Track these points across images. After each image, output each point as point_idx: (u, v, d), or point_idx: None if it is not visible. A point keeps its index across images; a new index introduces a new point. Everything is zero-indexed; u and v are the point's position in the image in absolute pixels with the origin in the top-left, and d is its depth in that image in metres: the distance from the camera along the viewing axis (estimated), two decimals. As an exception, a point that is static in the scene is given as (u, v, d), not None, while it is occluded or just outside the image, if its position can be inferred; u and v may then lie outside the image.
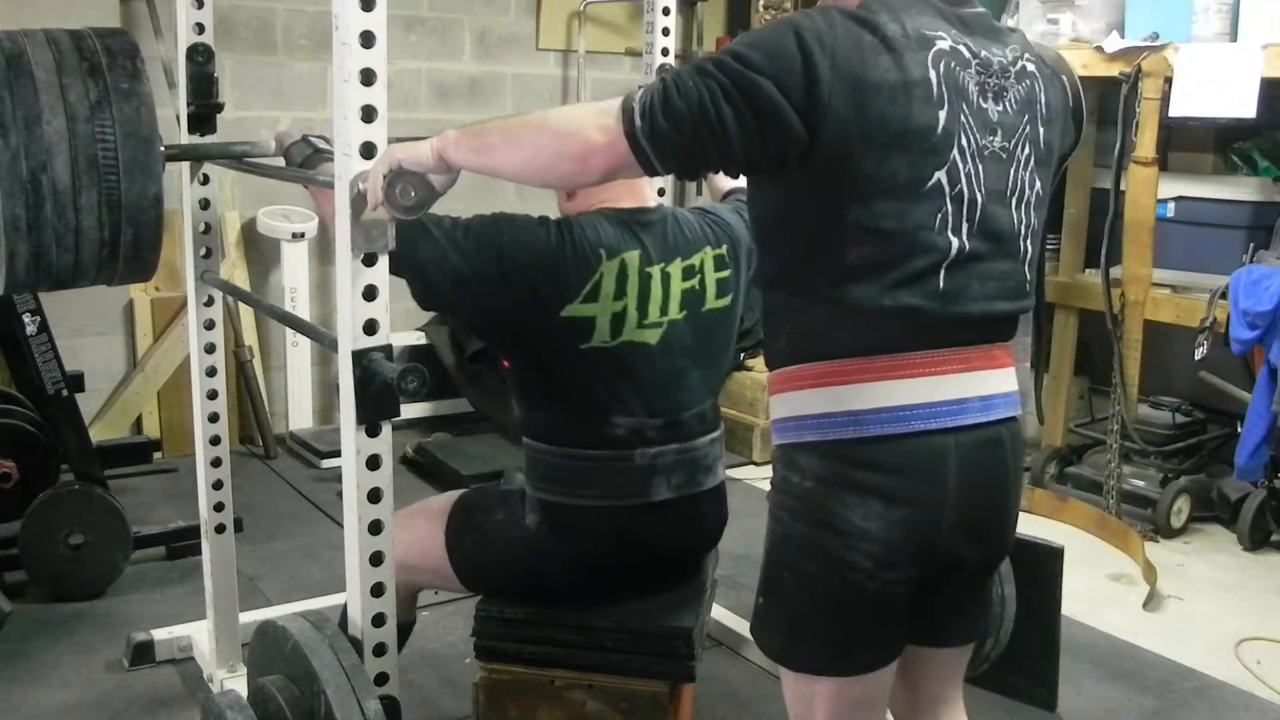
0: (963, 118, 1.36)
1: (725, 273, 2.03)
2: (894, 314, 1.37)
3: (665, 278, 1.94)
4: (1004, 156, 1.41)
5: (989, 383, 1.45)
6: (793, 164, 1.34)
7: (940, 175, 1.35)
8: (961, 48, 1.38)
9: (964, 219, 1.37)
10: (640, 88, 1.35)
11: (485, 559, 2.02)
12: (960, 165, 1.36)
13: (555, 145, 1.39)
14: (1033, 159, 1.45)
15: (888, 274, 1.36)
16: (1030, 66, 1.46)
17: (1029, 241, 1.46)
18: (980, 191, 1.38)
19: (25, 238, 1.76)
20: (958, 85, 1.36)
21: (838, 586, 1.42)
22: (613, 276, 1.89)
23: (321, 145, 1.97)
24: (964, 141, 1.36)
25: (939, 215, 1.36)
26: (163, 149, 1.89)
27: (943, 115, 1.34)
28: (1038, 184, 1.47)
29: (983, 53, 1.40)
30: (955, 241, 1.37)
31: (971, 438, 1.42)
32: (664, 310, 1.94)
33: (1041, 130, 1.46)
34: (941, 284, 1.37)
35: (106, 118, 1.77)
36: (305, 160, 1.97)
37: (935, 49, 1.35)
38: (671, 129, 1.32)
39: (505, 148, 1.43)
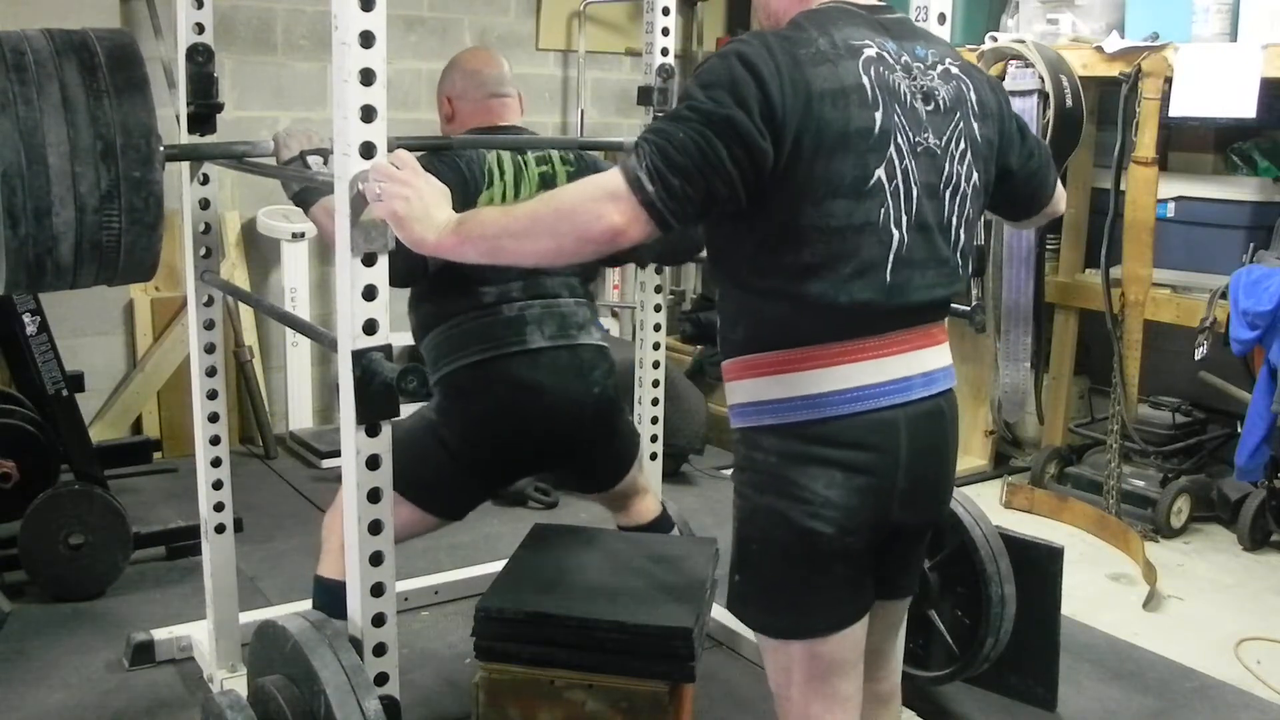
0: (896, 118, 1.46)
1: (571, 168, 2.33)
2: (848, 309, 1.47)
3: (524, 165, 2.30)
4: (937, 152, 1.51)
5: (929, 360, 1.57)
6: (766, 180, 1.40)
7: (880, 172, 1.44)
8: (887, 54, 1.48)
9: (904, 212, 1.47)
10: (632, 152, 1.39)
11: (404, 459, 1.89)
12: (897, 162, 1.46)
13: (576, 233, 1.40)
14: (968, 153, 1.55)
15: (841, 269, 1.45)
16: (955, 69, 1.57)
17: (963, 230, 1.57)
18: (915, 185, 1.48)
19: (25, 254, 1.77)
20: (889, 87, 1.46)
21: (803, 550, 1.52)
22: (497, 163, 2.25)
23: (317, 171, 2.05)
24: (899, 140, 1.46)
25: (882, 210, 1.45)
26: (163, 149, 1.89)
27: (879, 116, 1.44)
28: (975, 175, 1.57)
29: (905, 57, 1.50)
30: (897, 234, 1.47)
31: (917, 410, 1.55)
32: (520, 194, 2.24)
33: (976, 126, 1.57)
34: (889, 277, 1.47)
35: (107, 123, 1.77)
36: (297, 195, 2.08)
37: (864, 56, 1.45)
38: (684, 183, 1.36)
39: (519, 243, 1.44)
